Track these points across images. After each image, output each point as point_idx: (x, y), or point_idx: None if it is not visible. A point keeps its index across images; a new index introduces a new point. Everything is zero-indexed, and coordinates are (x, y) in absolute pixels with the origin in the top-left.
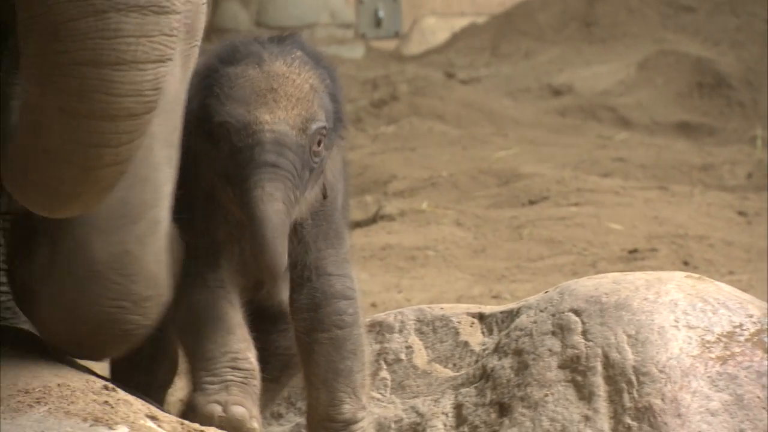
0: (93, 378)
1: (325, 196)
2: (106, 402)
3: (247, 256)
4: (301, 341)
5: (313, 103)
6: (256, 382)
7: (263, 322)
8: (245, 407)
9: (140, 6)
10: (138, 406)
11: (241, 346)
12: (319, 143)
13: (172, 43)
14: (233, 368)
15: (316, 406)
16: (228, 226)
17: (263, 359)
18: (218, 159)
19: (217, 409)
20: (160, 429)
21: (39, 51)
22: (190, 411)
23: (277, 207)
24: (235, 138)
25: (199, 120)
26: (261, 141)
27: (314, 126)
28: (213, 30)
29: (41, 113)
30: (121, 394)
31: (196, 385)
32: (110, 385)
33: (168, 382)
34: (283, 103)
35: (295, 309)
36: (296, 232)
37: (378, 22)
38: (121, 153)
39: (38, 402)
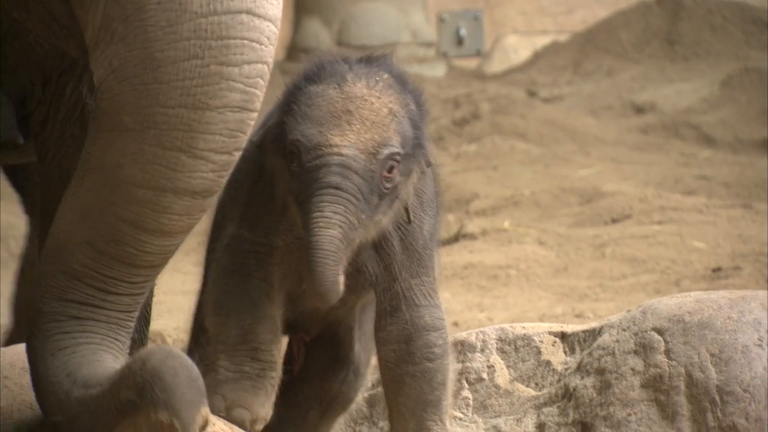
0: None
1: (409, 220)
2: None
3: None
4: (389, 371)
5: (389, 128)
6: (274, 374)
7: (320, 361)
8: (250, 409)
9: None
10: (221, 425)
11: (266, 337)
12: (390, 169)
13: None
14: (253, 359)
15: None
16: (289, 236)
17: (306, 404)
18: (289, 176)
19: (220, 405)
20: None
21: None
22: None
23: (332, 233)
24: (304, 157)
25: (276, 136)
26: (328, 163)
27: (386, 151)
28: (294, 49)
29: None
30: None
31: (211, 363)
32: None
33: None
34: (357, 127)
35: (384, 340)
36: (382, 258)
37: (460, 41)
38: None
39: None
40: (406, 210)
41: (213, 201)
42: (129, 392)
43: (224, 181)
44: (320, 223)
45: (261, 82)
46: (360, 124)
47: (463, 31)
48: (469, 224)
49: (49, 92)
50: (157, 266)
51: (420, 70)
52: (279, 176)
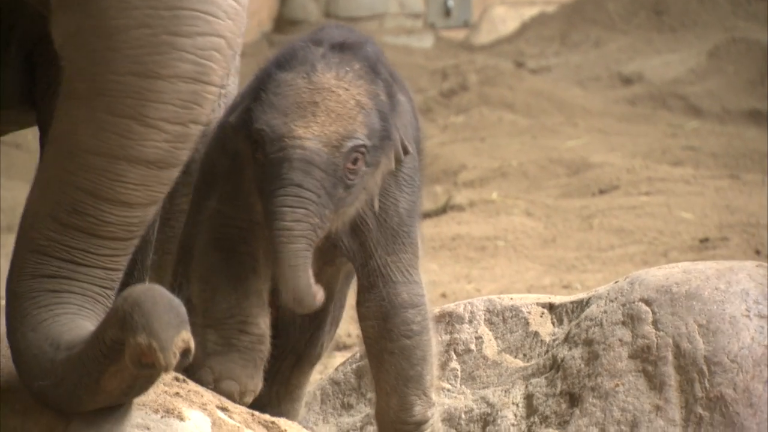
0: None
1: (375, 209)
2: (177, 393)
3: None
4: (370, 347)
5: (355, 120)
6: (264, 348)
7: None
8: (238, 381)
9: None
10: (209, 397)
11: (254, 311)
12: (355, 161)
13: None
14: (241, 331)
15: (386, 409)
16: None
17: (278, 356)
18: (254, 163)
19: (208, 378)
20: (231, 420)
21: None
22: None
23: (296, 247)
24: (268, 148)
25: (243, 122)
26: (290, 157)
27: (350, 144)
28: (282, 20)
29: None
30: (192, 385)
31: (201, 339)
32: (181, 377)
33: None
34: (322, 119)
35: (363, 315)
36: (357, 235)
37: (447, 12)
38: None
39: None
40: (374, 200)
41: (173, 174)
42: (113, 330)
43: (183, 154)
44: (283, 238)
45: (216, 55)
46: (325, 116)
47: (451, 2)
48: (456, 195)
49: (50, 61)
50: (123, 239)
51: (408, 41)
52: (245, 160)
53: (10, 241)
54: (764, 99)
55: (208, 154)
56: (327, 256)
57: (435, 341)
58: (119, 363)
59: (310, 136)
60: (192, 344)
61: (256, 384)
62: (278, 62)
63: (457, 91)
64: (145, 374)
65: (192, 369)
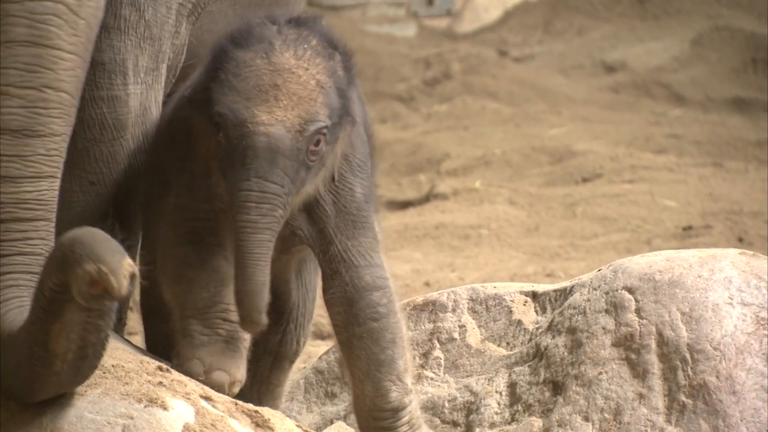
0: (147, 359)
1: (334, 181)
2: (160, 383)
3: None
4: (340, 334)
5: (316, 101)
6: (246, 336)
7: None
8: (228, 372)
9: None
10: (192, 386)
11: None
12: (317, 143)
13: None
14: (224, 320)
15: (362, 397)
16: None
17: (255, 357)
18: (215, 144)
19: (198, 369)
20: (214, 410)
21: None
22: (175, 357)
23: (261, 236)
24: (231, 132)
25: (201, 101)
26: (254, 145)
27: (313, 127)
28: None
29: None
30: (175, 375)
31: (185, 331)
32: (164, 366)
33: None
34: (284, 102)
35: (329, 302)
36: (315, 222)
37: (430, 1)
38: None
39: (93, 384)
40: (333, 176)
41: (50, 144)
42: (53, 276)
43: (51, 121)
44: (248, 229)
45: (55, 19)
46: (287, 99)
47: None
48: (440, 184)
49: None
50: (27, 220)
51: (390, 30)
52: (203, 139)
53: None
54: (748, 87)
55: (156, 147)
56: (285, 244)
57: (404, 325)
58: (63, 317)
59: (274, 121)
60: (137, 270)
61: (242, 374)
62: (234, 40)
63: (440, 80)
64: (95, 318)
65: (180, 361)
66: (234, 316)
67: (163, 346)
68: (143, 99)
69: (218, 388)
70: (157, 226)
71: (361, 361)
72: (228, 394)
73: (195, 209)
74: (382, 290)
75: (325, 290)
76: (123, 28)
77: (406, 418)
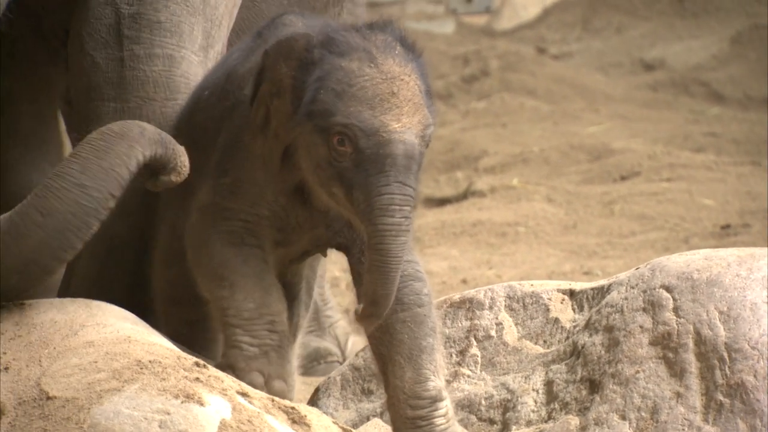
0: (184, 355)
1: None
2: (197, 379)
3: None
4: (381, 324)
5: (425, 106)
6: (290, 343)
7: None
8: (286, 381)
9: None
10: (229, 382)
11: (278, 307)
12: (427, 146)
13: None
14: (271, 331)
15: (401, 384)
16: (276, 206)
17: None
18: (335, 156)
19: (259, 381)
20: (251, 405)
21: None
22: (226, 367)
23: (403, 238)
24: (363, 142)
25: (311, 113)
26: (393, 153)
27: (428, 131)
28: None
29: None
30: (212, 371)
31: (232, 342)
32: (201, 362)
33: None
34: (405, 109)
35: None
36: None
37: None
38: None
39: (130, 379)
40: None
41: None
42: None
43: None
44: (393, 232)
45: None
46: (407, 106)
47: None
48: (477, 181)
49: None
50: None
51: (429, 26)
52: (309, 152)
53: None
54: None
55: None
56: (319, 243)
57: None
58: None
59: (404, 129)
60: None
61: (294, 379)
62: (327, 48)
63: (478, 77)
64: None
65: (237, 373)
66: (279, 326)
67: (185, 332)
68: (193, 70)
69: (279, 395)
70: (178, 221)
71: (403, 346)
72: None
73: (237, 211)
74: (422, 281)
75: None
76: None
77: (443, 410)
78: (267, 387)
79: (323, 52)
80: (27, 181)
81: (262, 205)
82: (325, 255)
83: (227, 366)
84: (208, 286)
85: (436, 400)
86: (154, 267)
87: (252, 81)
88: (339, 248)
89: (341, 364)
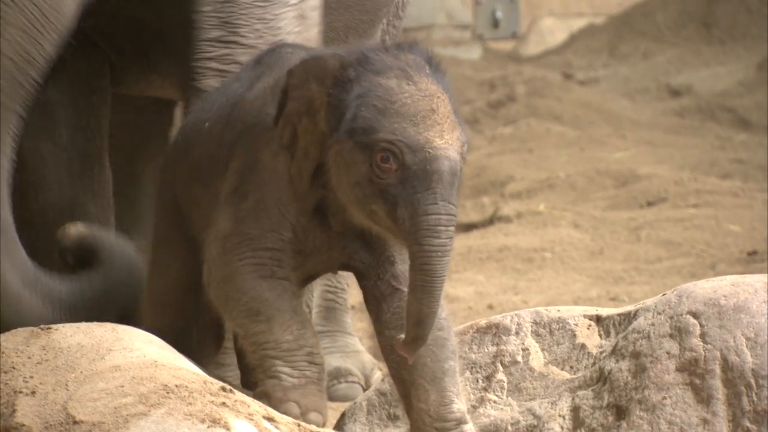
0: (210, 379)
1: None
2: (223, 403)
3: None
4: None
5: (460, 123)
6: (325, 377)
7: None
8: (321, 413)
9: None
10: (255, 407)
11: (315, 340)
12: (464, 162)
13: None
14: (310, 363)
15: (426, 408)
16: (299, 231)
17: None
18: (378, 173)
19: (295, 411)
20: (277, 430)
21: None
22: (263, 396)
23: (447, 259)
24: (409, 158)
25: (352, 130)
26: (439, 169)
27: (466, 147)
28: None
29: None
30: (239, 395)
31: (270, 373)
32: (228, 387)
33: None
34: (446, 126)
35: (388, 321)
36: (377, 245)
37: (495, 23)
38: None
39: (157, 404)
40: None
41: None
42: None
43: None
44: (439, 253)
45: None
46: (446, 123)
47: (499, 14)
48: (504, 207)
49: None
50: None
51: (455, 52)
52: (349, 170)
53: None
54: None
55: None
56: (330, 266)
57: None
58: None
59: (447, 145)
60: None
61: (327, 412)
62: (364, 66)
63: (504, 103)
64: None
65: (273, 403)
66: (317, 358)
67: (187, 341)
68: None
69: (314, 428)
70: (181, 241)
71: (426, 369)
72: None
73: (262, 238)
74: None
75: (381, 311)
76: None
77: None
78: (303, 418)
79: (360, 70)
80: (68, 194)
81: (285, 227)
82: (335, 272)
83: (263, 395)
84: (241, 322)
85: (461, 422)
86: (143, 314)
87: (276, 101)
88: (352, 270)
89: (361, 385)
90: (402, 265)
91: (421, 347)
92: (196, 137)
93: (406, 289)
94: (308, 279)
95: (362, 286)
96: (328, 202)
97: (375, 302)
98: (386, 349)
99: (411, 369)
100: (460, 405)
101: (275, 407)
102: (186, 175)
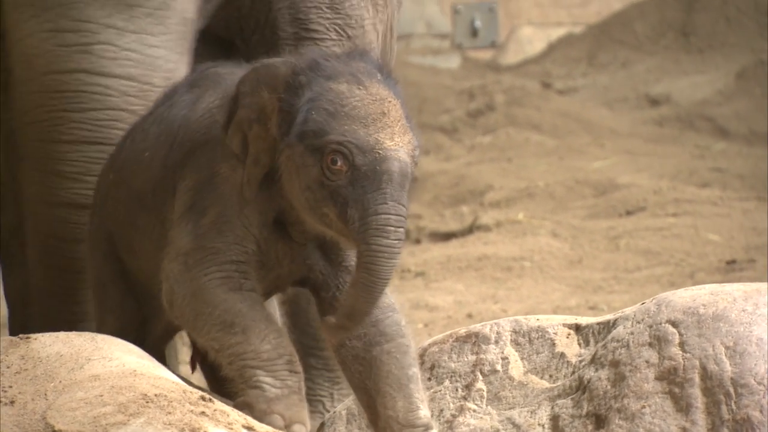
0: (190, 388)
1: None
2: (203, 413)
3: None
4: (364, 358)
5: (411, 128)
6: (304, 387)
7: None
8: (304, 424)
9: None
10: (235, 416)
11: (292, 349)
12: (415, 166)
13: None
14: (291, 372)
15: (394, 414)
16: (261, 238)
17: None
18: (328, 175)
19: (280, 423)
20: None
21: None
22: (245, 407)
23: (394, 261)
24: (359, 159)
25: (302, 133)
26: (389, 170)
27: (417, 153)
28: None
29: None
30: (218, 404)
31: (252, 383)
32: (207, 396)
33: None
34: (397, 129)
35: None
36: (336, 254)
37: (474, 32)
38: None
39: (136, 413)
40: None
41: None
42: None
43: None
44: (386, 254)
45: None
46: (397, 126)
47: (478, 23)
48: (483, 216)
49: None
50: None
51: (434, 61)
52: (299, 174)
53: None
54: None
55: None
56: (290, 279)
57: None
58: None
59: (398, 147)
60: None
61: (309, 424)
62: (315, 71)
63: (483, 112)
64: None
65: (257, 414)
66: (296, 367)
67: None
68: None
69: None
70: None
71: (392, 377)
72: None
73: (226, 251)
74: (399, 313)
75: None
76: None
77: None
78: (288, 430)
79: (311, 75)
80: None
81: (249, 239)
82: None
83: (245, 406)
84: (215, 335)
85: (428, 428)
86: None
87: (225, 110)
88: (309, 284)
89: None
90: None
91: (342, 337)
92: (135, 168)
93: None
94: (268, 294)
95: (320, 299)
96: (286, 214)
97: (332, 310)
98: (346, 360)
99: (375, 378)
100: (425, 411)
101: (259, 419)
102: (125, 209)
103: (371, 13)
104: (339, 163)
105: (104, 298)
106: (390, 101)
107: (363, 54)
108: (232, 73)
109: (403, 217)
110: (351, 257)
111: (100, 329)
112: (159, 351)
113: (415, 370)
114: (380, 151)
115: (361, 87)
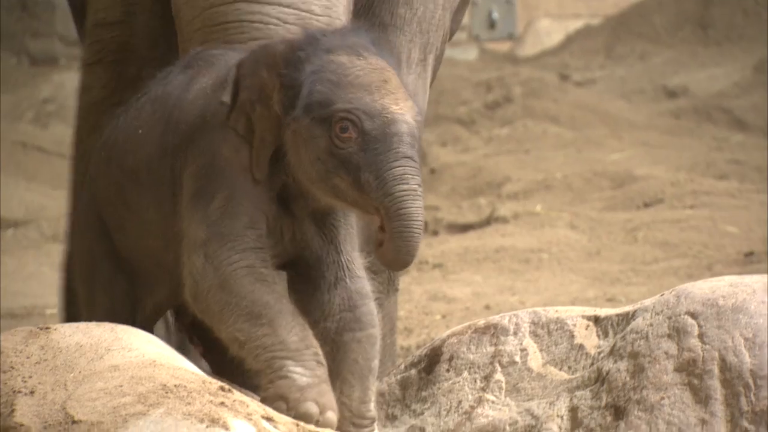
0: (209, 379)
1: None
2: (222, 403)
3: (379, 244)
4: (332, 340)
5: (410, 95)
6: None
7: None
8: (335, 411)
9: None
10: (254, 407)
11: (316, 342)
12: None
13: None
14: (318, 363)
15: (348, 403)
16: (270, 220)
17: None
18: (339, 144)
19: (315, 411)
20: (276, 430)
21: None
22: (277, 398)
23: (420, 203)
24: (368, 125)
25: (308, 106)
26: (398, 131)
27: (420, 117)
28: None
29: None
30: (237, 395)
31: (281, 374)
32: (227, 387)
33: None
34: (400, 95)
35: (328, 310)
36: (327, 232)
37: (492, 24)
38: None
39: (156, 403)
40: None
41: None
42: None
43: None
44: (411, 197)
45: None
46: (399, 92)
47: (496, 15)
48: (500, 208)
49: None
50: None
51: (452, 53)
52: (307, 147)
53: (54, 250)
54: None
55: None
56: (287, 257)
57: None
58: None
59: (403, 111)
60: None
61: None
62: (316, 46)
63: (501, 104)
64: None
65: (291, 404)
66: (321, 358)
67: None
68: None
69: (331, 427)
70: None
71: (356, 366)
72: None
73: (242, 235)
74: (373, 301)
75: (321, 302)
76: (399, 25)
77: None
78: (321, 417)
79: (310, 50)
80: None
81: (260, 219)
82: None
83: (278, 397)
84: (241, 326)
85: (374, 421)
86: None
87: (229, 93)
88: (301, 263)
89: None
90: (348, 254)
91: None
92: (129, 146)
93: (349, 281)
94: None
95: (308, 276)
96: (289, 190)
97: (319, 292)
98: (323, 337)
99: (341, 363)
100: (373, 404)
101: (293, 408)
102: (117, 187)
103: None
104: (348, 131)
105: (95, 276)
106: (389, 70)
107: (356, 29)
108: (225, 55)
109: (418, 170)
110: (342, 236)
111: (90, 308)
112: (148, 331)
113: (377, 362)
114: (387, 115)
115: (360, 57)
